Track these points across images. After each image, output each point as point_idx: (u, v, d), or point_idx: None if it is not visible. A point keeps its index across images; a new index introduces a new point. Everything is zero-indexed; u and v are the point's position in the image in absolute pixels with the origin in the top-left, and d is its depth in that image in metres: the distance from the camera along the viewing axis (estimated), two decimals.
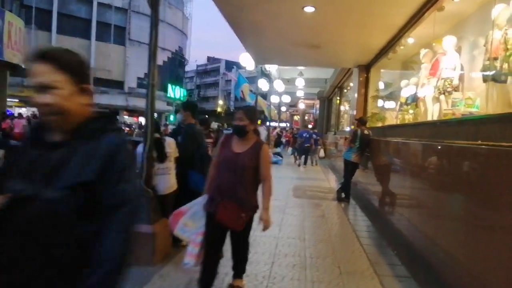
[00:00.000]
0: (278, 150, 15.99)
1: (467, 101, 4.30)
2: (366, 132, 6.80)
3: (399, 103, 7.04)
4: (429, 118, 5.12)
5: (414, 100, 6.19)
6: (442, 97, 4.84)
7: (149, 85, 3.77)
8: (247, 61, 10.55)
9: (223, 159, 2.98)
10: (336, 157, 13.11)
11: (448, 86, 4.71)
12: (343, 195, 7.28)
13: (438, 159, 3.47)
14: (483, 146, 2.60)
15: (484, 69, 4.14)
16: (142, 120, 42.21)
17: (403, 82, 6.94)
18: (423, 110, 5.48)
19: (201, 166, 4.16)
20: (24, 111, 33.87)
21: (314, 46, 6.66)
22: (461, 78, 4.82)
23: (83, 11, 37.56)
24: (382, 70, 8.21)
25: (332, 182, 10.08)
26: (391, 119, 7.35)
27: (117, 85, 39.93)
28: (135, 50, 39.95)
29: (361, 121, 7.01)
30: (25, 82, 33.78)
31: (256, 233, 3.82)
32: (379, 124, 7.50)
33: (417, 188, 4.13)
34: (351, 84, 11.33)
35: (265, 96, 21.71)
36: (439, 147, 3.48)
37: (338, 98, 14.91)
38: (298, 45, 6.76)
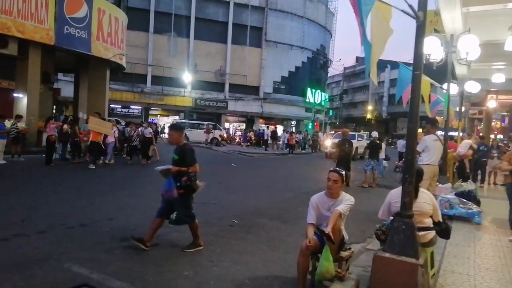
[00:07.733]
0: (470, 187, 7.32)
1: None
2: None
3: None
4: None
5: None
6: None
7: None
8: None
9: None
10: None
11: None
12: None
13: None
14: None
15: None
16: (280, 128, 37.95)
17: None
18: None
19: None
20: (169, 120, 33.73)
21: None
22: None
23: (220, 13, 35.93)
24: None
25: None
26: None
27: (252, 90, 37.00)
28: (271, 52, 36.48)
29: None
30: (164, 90, 33.72)
31: None
32: None
33: None
34: None
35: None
36: None
37: None
38: None
